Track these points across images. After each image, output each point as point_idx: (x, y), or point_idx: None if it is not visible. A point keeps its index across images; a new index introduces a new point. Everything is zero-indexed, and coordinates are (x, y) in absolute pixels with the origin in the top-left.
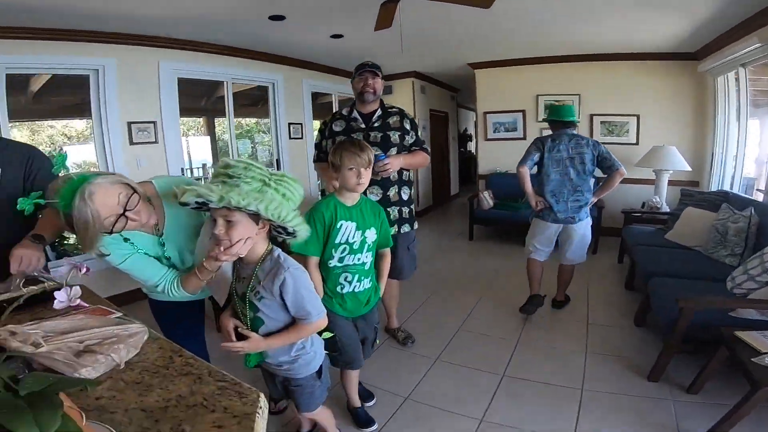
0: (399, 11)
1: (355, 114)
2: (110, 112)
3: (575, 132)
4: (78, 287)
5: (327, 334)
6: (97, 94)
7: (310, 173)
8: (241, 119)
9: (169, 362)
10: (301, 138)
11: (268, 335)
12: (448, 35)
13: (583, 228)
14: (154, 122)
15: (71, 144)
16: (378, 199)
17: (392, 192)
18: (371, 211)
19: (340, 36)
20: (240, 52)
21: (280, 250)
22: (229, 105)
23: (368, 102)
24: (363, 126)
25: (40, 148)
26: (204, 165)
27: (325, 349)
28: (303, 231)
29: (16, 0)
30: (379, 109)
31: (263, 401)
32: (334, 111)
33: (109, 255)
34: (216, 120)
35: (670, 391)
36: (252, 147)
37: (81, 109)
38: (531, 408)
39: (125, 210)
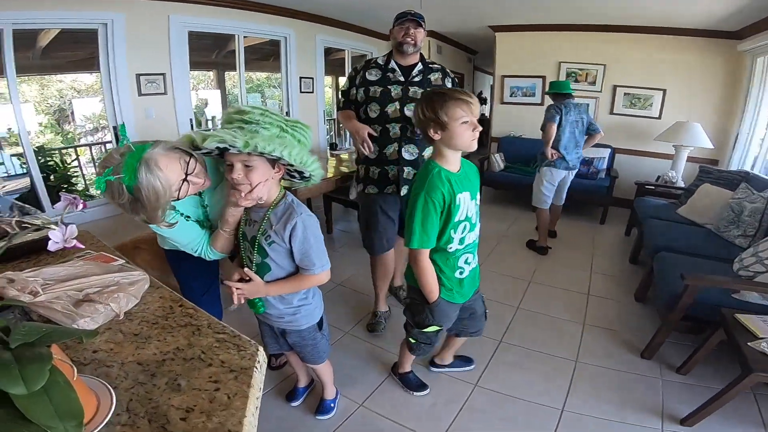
0: None
1: (393, 64)
2: (119, 65)
3: (575, 102)
4: (74, 226)
5: (434, 329)
6: (105, 48)
7: (320, 126)
8: (251, 73)
9: (169, 312)
10: (312, 92)
11: (269, 282)
12: None
13: (574, 175)
14: (163, 74)
15: (80, 97)
16: (413, 158)
17: (427, 153)
18: (472, 169)
19: None
20: (252, 6)
21: (293, 195)
22: (241, 59)
23: (408, 53)
24: (402, 79)
25: (50, 101)
26: (213, 117)
27: (422, 342)
28: (318, 175)
29: None
30: (420, 63)
31: (262, 355)
32: (352, 66)
33: (173, 224)
34: (227, 74)
35: (660, 370)
36: (262, 101)
37: (90, 63)
38: (525, 376)
39: (187, 175)
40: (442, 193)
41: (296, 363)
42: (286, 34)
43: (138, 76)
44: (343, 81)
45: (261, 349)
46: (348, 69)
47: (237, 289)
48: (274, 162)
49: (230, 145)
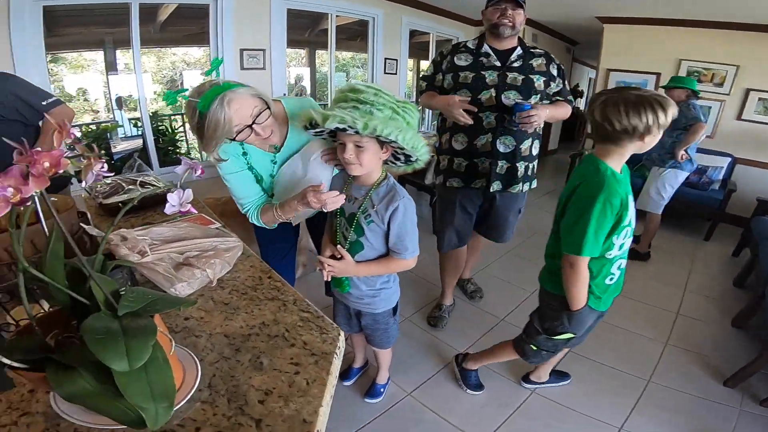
0: None
1: (487, 48)
2: (225, 40)
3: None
4: (190, 191)
5: (566, 336)
6: (215, 22)
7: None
8: (338, 53)
9: (258, 283)
10: (395, 74)
11: (359, 263)
12: None
13: None
14: (263, 50)
15: (189, 70)
16: (508, 151)
17: (525, 145)
18: (624, 168)
19: None
20: None
21: (393, 178)
22: (332, 37)
23: (504, 36)
24: (498, 64)
25: (163, 73)
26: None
27: (545, 349)
28: (424, 160)
29: None
30: (519, 48)
31: (342, 341)
32: (437, 50)
33: (225, 162)
34: (317, 52)
35: (741, 400)
36: (347, 80)
37: (200, 38)
38: (588, 388)
39: (254, 122)
40: (620, 197)
41: (357, 343)
42: (375, 14)
43: (241, 51)
44: (425, 65)
45: (342, 334)
46: (432, 53)
47: (328, 265)
48: (382, 143)
49: (349, 126)
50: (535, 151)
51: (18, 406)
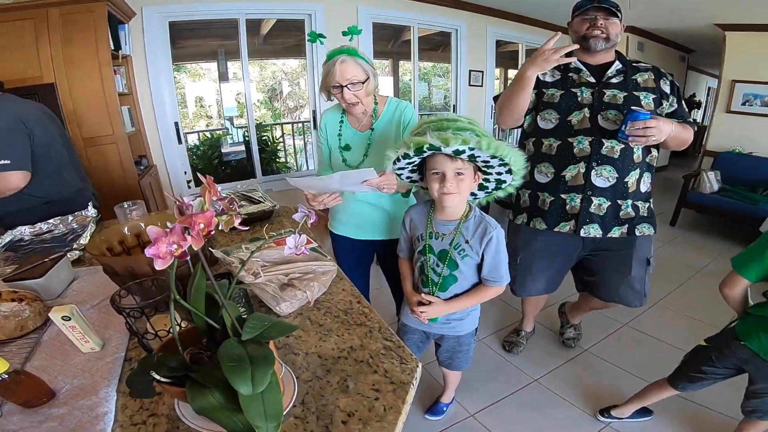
0: None
1: (577, 64)
2: (320, 53)
3: None
4: (305, 236)
5: None
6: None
7: (486, 122)
8: (421, 63)
9: (349, 307)
10: (481, 86)
11: (450, 299)
12: None
13: None
14: None
15: (286, 80)
16: (608, 185)
17: (631, 178)
18: None
19: None
20: None
21: (478, 209)
22: (415, 49)
23: (596, 51)
24: (592, 80)
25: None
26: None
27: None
28: (516, 185)
29: None
30: (618, 62)
31: (419, 372)
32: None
33: (322, 117)
34: (400, 62)
35: None
36: (429, 90)
37: (297, 50)
38: (673, 427)
39: (345, 86)
40: None
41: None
42: (458, 26)
43: None
44: (513, 74)
45: (420, 366)
46: (522, 61)
47: (421, 312)
48: (475, 171)
49: (469, 148)
50: (644, 187)
51: (148, 407)
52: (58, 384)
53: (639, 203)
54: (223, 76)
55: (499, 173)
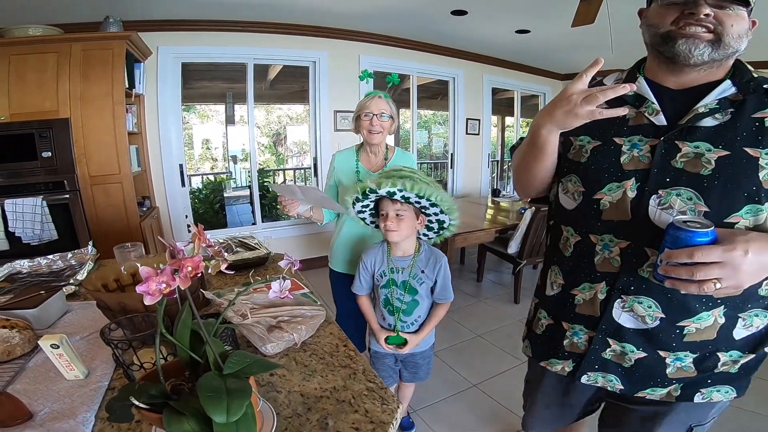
0: (606, 3)
1: (644, 85)
2: (321, 100)
3: None
4: (289, 281)
5: None
6: (313, 83)
7: (483, 170)
8: (420, 110)
9: (335, 350)
10: (478, 134)
11: (418, 330)
12: None
13: None
14: (352, 111)
15: (291, 125)
16: (642, 329)
17: (704, 322)
18: None
19: (526, 31)
20: (425, 47)
21: (426, 244)
22: (414, 97)
23: (687, 64)
24: (662, 120)
25: (269, 127)
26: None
27: None
28: (454, 227)
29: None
30: (729, 81)
31: (400, 412)
32: (522, 106)
33: (335, 157)
34: (400, 110)
35: None
36: (429, 138)
37: (301, 96)
38: None
39: (375, 115)
40: None
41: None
42: (455, 74)
43: (335, 112)
44: (510, 121)
45: (401, 406)
46: (517, 110)
47: (406, 351)
48: (417, 214)
49: (398, 189)
50: (744, 331)
51: None
52: (38, 407)
53: (726, 355)
54: (230, 119)
55: (436, 214)
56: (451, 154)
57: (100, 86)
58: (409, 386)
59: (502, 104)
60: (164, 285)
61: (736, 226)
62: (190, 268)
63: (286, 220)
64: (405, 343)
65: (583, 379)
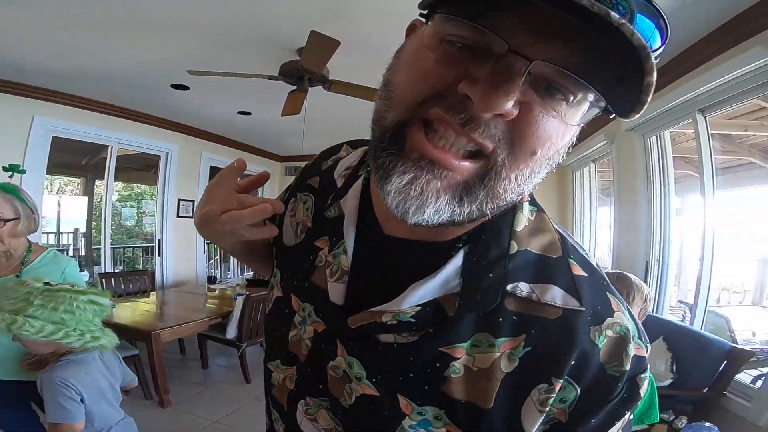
0: (307, 99)
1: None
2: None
3: None
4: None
5: None
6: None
7: (198, 257)
8: (129, 183)
9: None
10: (191, 217)
11: None
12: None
13: None
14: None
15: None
16: None
17: None
18: None
19: (248, 113)
20: (132, 114)
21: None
22: (110, 171)
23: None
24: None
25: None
26: (76, 230)
27: None
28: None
29: None
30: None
31: None
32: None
33: None
34: (97, 181)
35: None
36: (138, 214)
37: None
38: None
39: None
40: None
41: None
42: (169, 150)
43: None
44: None
45: None
46: None
47: None
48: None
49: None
50: None
51: None
52: None
53: None
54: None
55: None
56: (159, 240)
57: None
58: None
59: None
60: None
61: None
62: None
63: None
64: None
65: None
